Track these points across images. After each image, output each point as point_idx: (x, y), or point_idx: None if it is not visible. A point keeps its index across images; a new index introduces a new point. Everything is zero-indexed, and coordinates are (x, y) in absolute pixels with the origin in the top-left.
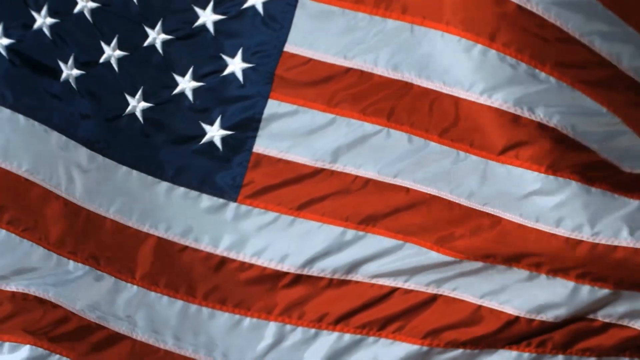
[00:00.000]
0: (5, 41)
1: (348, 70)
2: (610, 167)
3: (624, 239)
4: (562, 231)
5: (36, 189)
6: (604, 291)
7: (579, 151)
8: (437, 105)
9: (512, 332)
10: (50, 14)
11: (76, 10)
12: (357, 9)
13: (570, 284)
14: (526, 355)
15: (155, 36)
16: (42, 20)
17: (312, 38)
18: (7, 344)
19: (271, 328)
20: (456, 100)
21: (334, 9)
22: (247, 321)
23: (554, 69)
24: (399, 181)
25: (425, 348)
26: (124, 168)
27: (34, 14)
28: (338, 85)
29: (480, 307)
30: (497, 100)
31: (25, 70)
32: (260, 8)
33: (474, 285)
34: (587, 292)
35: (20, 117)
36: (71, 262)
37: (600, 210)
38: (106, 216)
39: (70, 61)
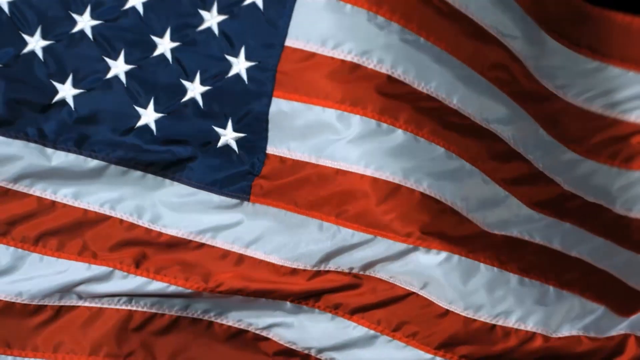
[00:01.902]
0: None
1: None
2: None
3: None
4: None
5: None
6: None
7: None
8: None
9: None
10: (44, 36)
11: (75, 29)
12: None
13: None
14: None
15: (165, 45)
16: (35, 43)
17: (313, 31)
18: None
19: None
20: None
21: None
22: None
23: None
24: (409, 183)
25: (437, 359)
26: (138, 172)
27: (26, 36)
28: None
29: (494, 325)
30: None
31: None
32: (260, 4)
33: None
34: None
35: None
36: None
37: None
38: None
39: (69, 81)
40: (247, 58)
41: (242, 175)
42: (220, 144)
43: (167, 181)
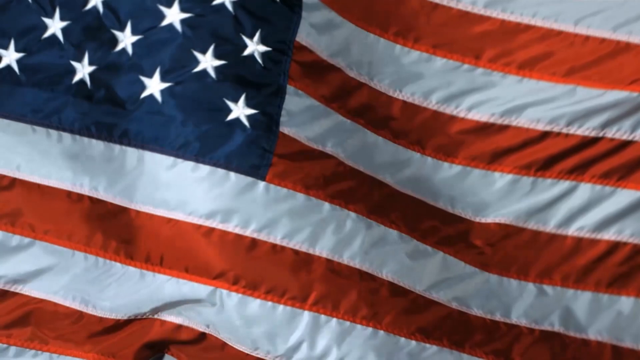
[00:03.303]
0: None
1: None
2: None
3: None
4: None
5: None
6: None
7: None
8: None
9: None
10: (62, 17)
11: (88, 7)
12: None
13: None
14: None
15: (173, 15)
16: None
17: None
18: None
19: (305, 317)
20: None
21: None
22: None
23: None
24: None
25: None
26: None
27: (46, 20)
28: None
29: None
30: None
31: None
32: None
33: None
34: None
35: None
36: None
37: None
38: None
39: (86, 59)
40: (262, 42)
41: (255, 152)
42: (231, 117)
43: None
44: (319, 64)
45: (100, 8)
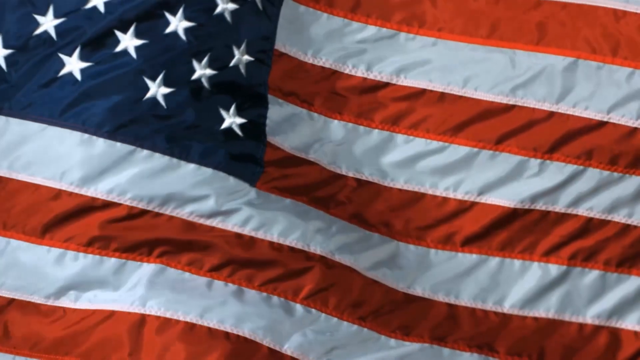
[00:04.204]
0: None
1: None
2: None
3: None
4: None
5: None
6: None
7: None
8: None
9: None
10: (57, 14)
11: (89, 5)
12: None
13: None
14: None
15: (177, 23)
16: (49, 23)
17: (294, 38)
18: None
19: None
20: None
21: (312, 10)
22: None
23: None
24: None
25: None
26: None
27: (38, 17)
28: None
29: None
30: None
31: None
32: (259, 1)
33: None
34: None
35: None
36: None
37: None
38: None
39: (77, 53)
40: (248, 52)
41: (246, 159)
42: (224, 125)
43: None
44: (300, 69)
45: (102, 9)
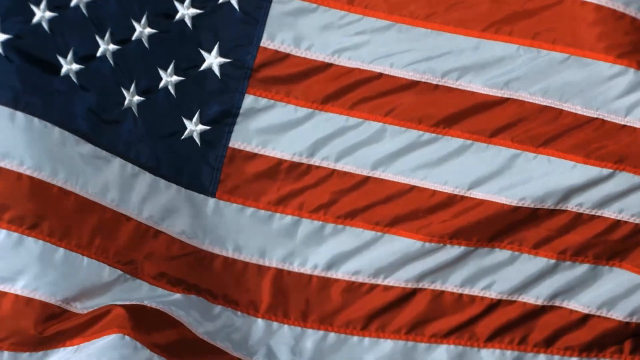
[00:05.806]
0: (1, 37)
1: (329, 65)
2: None
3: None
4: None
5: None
6: (584, 266)
7: None
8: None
9: (495, 317)
10: (50, 7)
11: (73, 3)
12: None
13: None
14: (508, 353)
15: (142, 30)
16: (42, 14)
17: (289, 33)
18: None
19: (259, 324)
20: None
21: (310, 5)
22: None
23: None
24: (377, 173)
25: (410, 343)
26: (118, 160)
27: (34, 7)
28: (318, 80)
29: (461, 295)
30: None
31: (23, 66)
32: (235, 4)
33: (453, 274)
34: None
35: (19, 114)
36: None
37: None
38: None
39: (70, 56)
40: (221, 54)
41: (204, 169)
42: (185, 135)
43: None
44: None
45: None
